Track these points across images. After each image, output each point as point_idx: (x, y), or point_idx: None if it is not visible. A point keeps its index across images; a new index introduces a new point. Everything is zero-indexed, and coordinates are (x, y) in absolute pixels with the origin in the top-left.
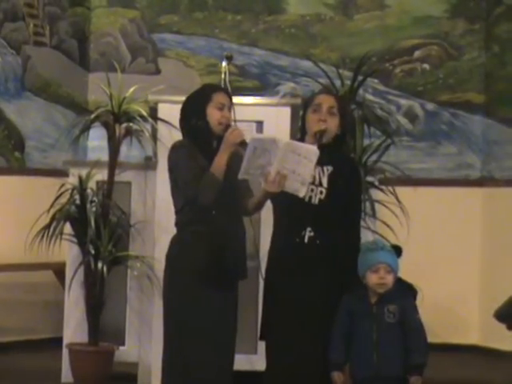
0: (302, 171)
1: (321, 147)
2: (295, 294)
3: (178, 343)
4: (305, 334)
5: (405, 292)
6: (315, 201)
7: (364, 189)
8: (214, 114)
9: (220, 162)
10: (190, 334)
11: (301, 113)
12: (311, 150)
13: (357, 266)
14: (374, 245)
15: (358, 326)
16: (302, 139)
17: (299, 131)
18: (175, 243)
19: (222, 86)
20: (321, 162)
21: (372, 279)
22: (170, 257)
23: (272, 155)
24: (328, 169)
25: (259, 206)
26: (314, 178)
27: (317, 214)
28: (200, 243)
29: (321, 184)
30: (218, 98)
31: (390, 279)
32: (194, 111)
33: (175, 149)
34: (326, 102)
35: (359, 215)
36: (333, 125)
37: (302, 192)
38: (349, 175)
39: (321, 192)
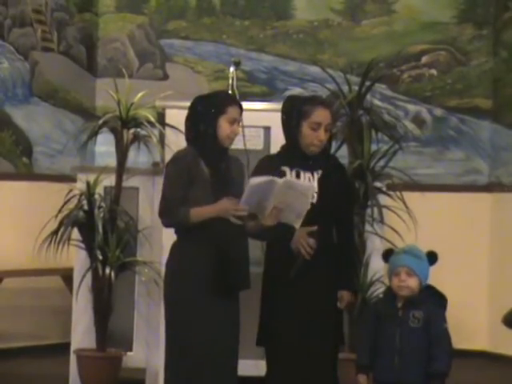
0: (299, 206)
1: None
2: (296, 296)
3: (178, 349)
4: (307, 336)
5: (434, 300)
6: (310, 203)
7: (371, 194)
8: (224, 128)
9: (204, 213)
10: (191, 340)
11: (284, 116)
12: (308, 188)
13: (353, 263)
14: (400, 249)
15: (383, 330)
16: (292, 146)
17: (287, 138)
18: (175, 251)
19: (230, 91)
20: (311, 168)
21: (394, 282)
22: (171, 265)
23: (269, 193)
24: (318, 172)
25: (254, 235)
26: None
27: (311, 218)
28: (201, 253)
29: None
30: (232, 112)
31: (411, 282)
32: (205, 118)
33: (173, 161)
34: (326, 120)
35: (352, 213)
36: (327, 139)
37: (297, 223)
38: (337, 176)
39: (312, 196)
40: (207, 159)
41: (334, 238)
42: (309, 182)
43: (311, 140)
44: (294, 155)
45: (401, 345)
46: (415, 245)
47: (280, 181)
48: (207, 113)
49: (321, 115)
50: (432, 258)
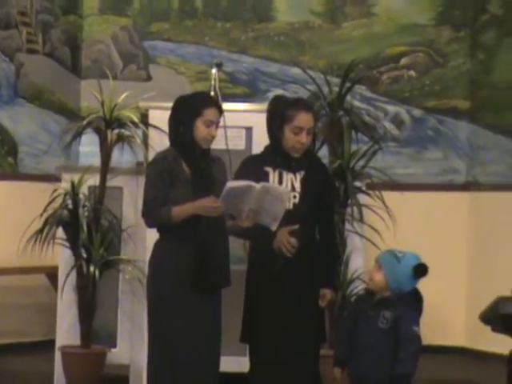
0: (275, 209)
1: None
2: (278, 294)
3: (160, 345)
4: (290, 334)
5: (407, 302)
6: (290, 206)
7: (351, 193)
8: (201, 130)
9: (184, 211)
10: (172, 337)
11: (268, 117)
12: (284, 193)
13: (335, 262)
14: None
15: (357, 326)
16: (275, 147)
17: (271, 139)
18: (158, 249)
19: (212, 92)
20: (293, 169)
21: None
22: (153, 263)
23: (246, 196)
24: (301, 173)
25: (236, 234)
26: (287, 184)
27: (293, 218)
28: (183, 251)
29: (294, 189)
30: (208, 114)
31: (376, 276)
32: (182, 120)
33: (153, 163)
34: (308, 124)
35: (333, 212)
36: (309, 141)
37: (273, 226)
38: (319, 176)
39: (294, 196)
40: (187, 160)
41: (316, 236)
42: (285, 188)
43: (293, 143)
44: (276, 156)
45: (369, 343)
46: (417, 255)
47: (257, 186)
48: (184, 115)
49: (303, 120)
50: (418, 270)
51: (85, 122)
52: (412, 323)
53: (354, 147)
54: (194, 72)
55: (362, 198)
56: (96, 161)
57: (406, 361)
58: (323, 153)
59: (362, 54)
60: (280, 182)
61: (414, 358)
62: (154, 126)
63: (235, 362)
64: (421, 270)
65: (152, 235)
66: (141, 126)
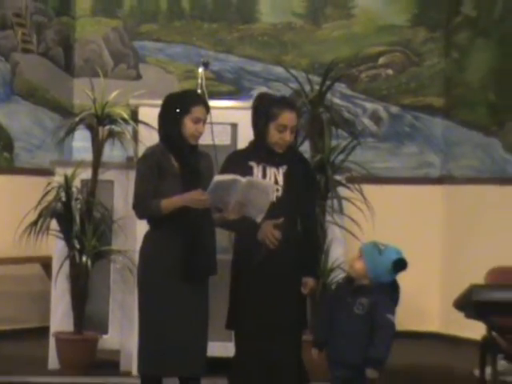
0: (260, 202)
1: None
2: (262, 283)
3: (150, 332)
4: (273, 320)
5: (385, 291)
6: (273, 198)
7: (332, 186)
8: (188, 127)
9: (173, 203)
10: (162, 324)
11: (253, 114)
12: (268, 186)
13: (317, 252)
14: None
15: (336, 312)
16: (259, 143)
17: (255, 135)
18: (148, 240)
19: (199, 90)
20: (276, 164)
21: None
22: (144, 253)
23: (232, 190)
24: (283, 168)
25: (222, 225)
26: (270, 178)
27: (276, 210)
28: (172, 241)
29: (277, 183)
30: (196, 112)
31: (357, 264)
32: (171, 117)
33: (143, 158)
34: (291, 122)
35: (315, 204)
36: (292, 138)
37: (259, 218)
38: (301, 170)
39: (277, 190)
40: (176, 155)
41: (298, 227)
42: (269, 181)
43: (276, 140)
44: (260, 151)
45: (345, 328)
46: (399, 250)
47: (243, 180)
48: (173, 112)
49: (287, 118)
50: (398, 264)
51: (77, 119)
52: (387, 310)
53: (334, 142)
54: (182, 71)
55: (342, 191)
56: (88, 156)
57: (379, 346)
58: (305, 148)
59: (341, 53)
60: (264, 176)
61: (387, 343)
62: (144, 123)
63: (222, 348)
64: (400, 265)
65: (142, 226)
66: (131, 122)
